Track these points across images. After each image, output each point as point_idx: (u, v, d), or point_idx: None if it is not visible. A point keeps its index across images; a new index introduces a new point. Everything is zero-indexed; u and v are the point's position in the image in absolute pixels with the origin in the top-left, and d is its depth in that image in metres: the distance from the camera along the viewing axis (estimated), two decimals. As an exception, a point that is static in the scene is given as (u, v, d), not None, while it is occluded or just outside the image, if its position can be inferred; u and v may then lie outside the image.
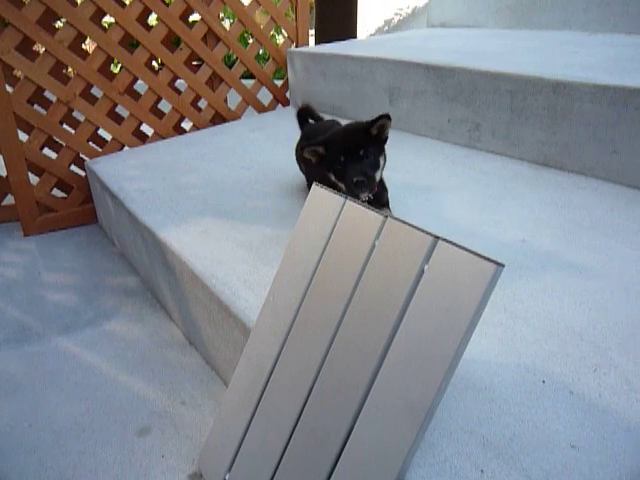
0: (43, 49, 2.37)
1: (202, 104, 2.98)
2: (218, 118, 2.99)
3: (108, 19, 2.70)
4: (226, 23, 3.01)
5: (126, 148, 2.74)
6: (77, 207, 2.69)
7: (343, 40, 3.42)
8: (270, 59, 3.16)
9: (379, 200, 1.54)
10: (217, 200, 1.89)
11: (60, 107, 2.47)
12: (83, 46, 2.88)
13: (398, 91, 2.40)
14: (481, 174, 1.94)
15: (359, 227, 0.96)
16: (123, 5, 2.55)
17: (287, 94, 3.25)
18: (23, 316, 1.92)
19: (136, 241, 2.00)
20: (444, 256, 0.82)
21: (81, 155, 2.62)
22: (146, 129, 2.82)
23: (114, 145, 2.69)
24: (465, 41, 2.94)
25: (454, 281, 0.80)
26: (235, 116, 3.05)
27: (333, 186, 1.43)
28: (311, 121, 1.98)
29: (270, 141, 2.55)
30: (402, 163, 2.08)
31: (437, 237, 0.84)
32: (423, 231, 0.86)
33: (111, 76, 2.62)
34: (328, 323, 0.96)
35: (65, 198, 2.66)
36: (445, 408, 0.94)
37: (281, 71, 3.28)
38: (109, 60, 2.62)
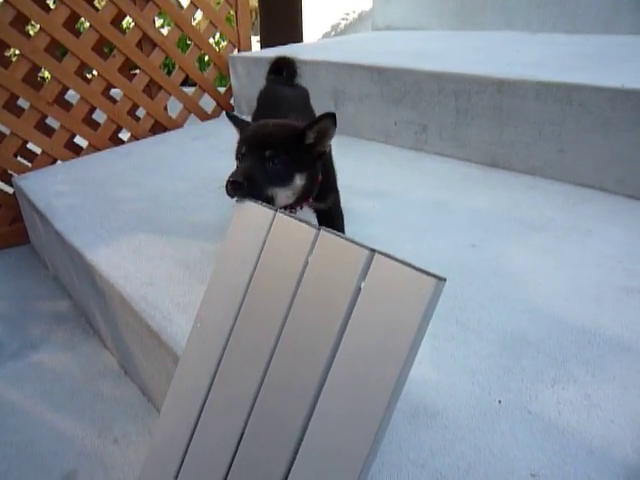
0: (-43, 57, 2.17)
1: (140, 113, 2.82)
2: (158, 127, 2.84)
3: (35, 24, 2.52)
4: (166, 31, 2.85)
5: (59, 162, 2.56)
6: (5, 227, 2.48)
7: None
8: (212, 65, 3.03)
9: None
10: (152, 215, 1.76)
11: (-19, 120, 2.27)
12: (7, 53, 2.68)
13: (343, 95, 2.32)
14: (429, 177, 1.88)
15: (291, 242, 0.87)
16: (47, 10, 2.38)
17: (231, 101, 3.13)
18: (-63, 352, 1.72)
19: (65, 262, 1.83)
20: (382, 271, 0.74)
21: (9, 171, 2.42)
22: (80, 141, 2.64)
23: (45, 159, 2.50)
24: (409, 43, 2.91)
25: (393, 298, 0.71)
26: (176, 125, 2.90)
27: None
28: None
29: (212, 150, 2.43)
30: (348, 168, 1.98)
31: (373, 250, 0.75)
32: (358, 244, 0.77)
33: (38, 85, 2.44)
34: (261, 350, 0.85)
35: (-9, 218, 2.45)
36: (393, 440, 0.85)
37: (224, 77, 3.16)
38: (35, 68, 2.44)
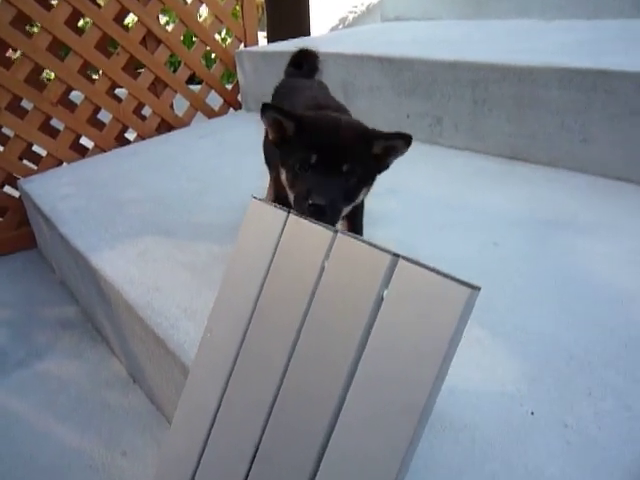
0: (-42, 59, 2.13)
1: (146, 112, 2.77)
2: (164, 126, 2.78)
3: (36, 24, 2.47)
4: (171, 28, 2.79)
5: (65, 164, 2.51)
6: (12, 231, 2.44)
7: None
8: (218, 61, 2.97)
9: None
10: (158, 217, 1.70)
11: (-16, 123, 2.23)
12: (7, 54, 2.63)
13: (353, 87, 2.25)
14: (445, 171, 1.80)
15: (305, 245, 0.80)
16: (49, 8, 2.32)
17: (238, 97, 3.06)
18: (-57, 361, 1.68)
19: (71, 267, 1.79)
20: (407, 279, 0.67)
21: (15, 174, 2.38)
22: (86, 142, 2.59)
23: (50, 161, 2.46)
24: (420, 33, 2.81)
25: (420, 309, 0.64)
26: (183, 123, 2.85)
27: (278, 188, 1.08)
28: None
29: (219, 148, 2.37)
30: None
31: (397, 255, 0.68)
32: (380, 248, 0.70)
33: (41, 86, 2.39)
34: (275, 361, 0.79)
35: (-1, 222, 2.42)
36: (420, 456, 0.78)
37: (231, 73, 3.10)
38: (37, 69, 2.39)
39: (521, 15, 2.98)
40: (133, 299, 1.27)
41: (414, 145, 2.07)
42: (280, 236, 0.83)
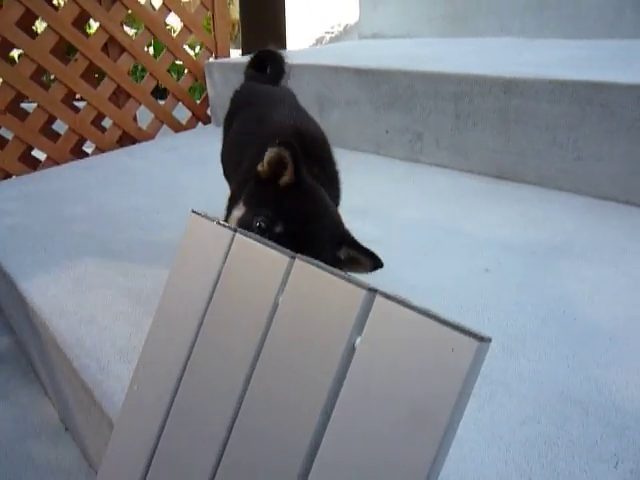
0: None
1: (106, 123, 2.57)
2: (126, 139, 2.59)
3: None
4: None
5: (14, 177, 2.29)
6: (-50, 250, 2.19)
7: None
8: (186, 72, 2.81)
9: None
10: (105, 235, 1.50)
11: None
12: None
13: (328, 100, 2.10)
14: (427, 191, 1.65)
15: (256, 274, 0.62)
16: (-1, 7, 2.14)
17: (208, 111, 2.89)
18: None
19: (3, 292, 1.56)
20: (387, 323, 0.48)
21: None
22: (38, 154, 2.37)
23: (-5, 173, 2.23)
24: (400, 48, 2.71)
25: (407, 365, 0.46)
26: (147, 136, 2.66)
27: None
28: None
29: (183, 163, 2.18)
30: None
31: (373, 290, 0.50)
32: (353, 283, 0.51)
33: (-12, 92, 2.18)
34: (215, 424, 0.60)
35: None
36: None
37: (201, 87, 2.93)
38: (-16, 73, 2.18)
39: (503, 32, 2.91)
40: (61, 334, 1.06)
41: (392, 162, 1.94)
42: (224, 261, 0.65)
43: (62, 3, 2.46)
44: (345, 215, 1.47)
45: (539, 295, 1.06)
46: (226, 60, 2.74)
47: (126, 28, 2.69)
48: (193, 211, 0.71)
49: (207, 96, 2.85)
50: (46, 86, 2.35)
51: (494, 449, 0.71)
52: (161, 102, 2.71)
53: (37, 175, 2.26)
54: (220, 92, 2.74)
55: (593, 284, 1.08)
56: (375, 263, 0.84)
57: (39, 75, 2.34)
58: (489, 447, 0.72)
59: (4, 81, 2.16)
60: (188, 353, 0.65)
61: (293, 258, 0.57)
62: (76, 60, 2.36)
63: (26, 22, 2.24)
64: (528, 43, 2.50)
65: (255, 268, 0.62)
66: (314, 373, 0.52)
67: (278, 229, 0.79)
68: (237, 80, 2.51)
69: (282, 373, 0.56)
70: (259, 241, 0.62)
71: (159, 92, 2.87)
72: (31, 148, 2.34)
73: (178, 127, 2.77)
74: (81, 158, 2.45)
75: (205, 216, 0.70)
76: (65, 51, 2.46)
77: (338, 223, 0.89)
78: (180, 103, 2.77)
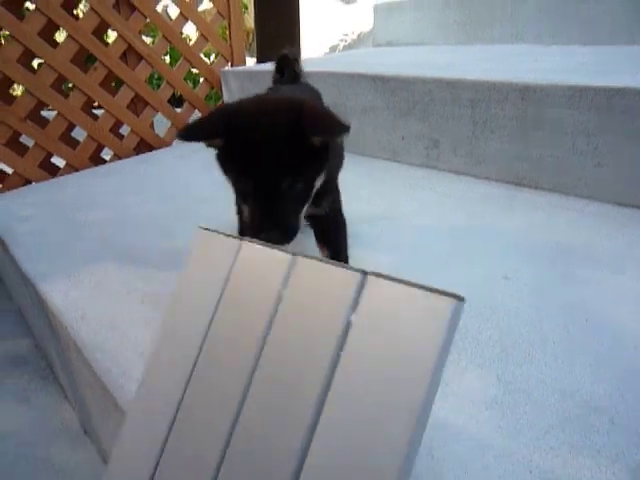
0: None
1: (124, 130, 2.60)
2: (144, 146, 2.62)
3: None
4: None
5: (34, 183, 2.32)
6: (-29, 255, 2.23)
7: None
8: (203, 80, 2.84)
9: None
10: (123, 240, 1.51)
11: (-55, 137, 2.05)
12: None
13: (345, 108, 2.10)
14: (444, 197, 1.65)
15: (261, 275, 0.64)
16: (21, 17, 2.18)
17: (224, 118, 2.91)
18: None
19: (24, 294, 1.58)
20: (378, 297, 0.52)
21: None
22: (58, 161, 2.41)
23: (16, 180, 2.27)
24: (415, 55, 2.71)
25: (397, 333, 0.50)
26: (164, 143, 2.69)
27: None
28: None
29: (200, 169, 2.20)
30: (351, 188, 1.75)
31: (365, 272, 0.54)
32: (346, 267, 0.55)
33: (10, 99, 2.22)
34: (219, 421, 0.61)
35: (-44, 245, 2.20)
36: None
37: (217, 95, 2.96)
38: (6, 81, 2.22)
39: (517, 39, 2.91)
40: (82, 339, 1.07)
41: (409, 169, 1.94)
42: (232, 267, 0.67)
43: (82, 13, 2.50)
44: (364, 221, 1.48)
45: (559, 302, 1.05)
46: (242, 68, 2.77)
47: (143, 36, 2.72)
48: (200, 226, 0.72)
49: (223, 103, 2.88)
50: (66, 94, 2.39)
51: (518, 458, 0.71)
52: (178, 110, 2.74)
53: (56, 181, 2.29)
54: (236, 98, 2.76)
55: (615, 291, 1.07)
56: (345, 127, 0.79)
57: (59, 84, 2.38)
58: (513, 456, 0.71)
59: (26, 90, 2.19)
60: (196, 354, 0.66)
61: (294, 255, 0.60)
62: (95, 69, 2.39)
63: (48, 32, 2.29)
64: (544, 50, 2.49)
65: (260, 270, 0.64)
66: (316, 353, 0.55)
67: (250, 187, 0.82)
68: (253, 87, 2.55)
69: (286, 357, 0.58)
70: (264, 245, 0.65)
71: (175, 100, 2.90)
72: (50, 155, 2.37)
73: (194, 134, 2.80)
74: (99, 165, 2.48)
75: (212, 230, 0.71)
76: (84, 60, 2.50)
77: (288, 116, 0.82)
78: (196, 111, 2.80)
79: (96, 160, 2.51)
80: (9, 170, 2.28)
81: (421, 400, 0.46)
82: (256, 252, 0.66)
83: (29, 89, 2.20)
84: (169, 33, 2.58)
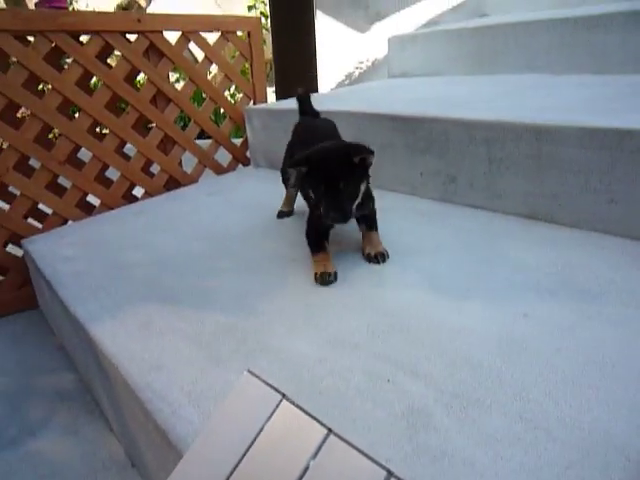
0: (-33, 120, 2.12)
1: (154, 169, 2.75)
2: (172, 183, 2.75)
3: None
4: (180, 86, 2.80)
5: (70, 222, 2.46)
6: (14, 292, 2.37)
7: (304, 95, 3.28)
8: (227, 118, 2.98)
9: (363, 211, 1.52)
10: (163, 281, 1.62)
11: (-9, 182, 2.20)
12: (17, 115, 2.64)
13: (364, 145, 2.20)
14: (462, 232, 1.72)
15: (293, 437, 0.73)
16: (60, 69, 2.34)
17: (247, 153, 3.05)
18: None
19: (70, 333, 1.69)
20: None
21: (19, 233, 2.32)
22: (92, 199, 2.55)
23: (55, 220, 2.41)
24: (429, 89, 2.81)
25: None
26: (191, 179, 2.82)
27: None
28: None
29: (228, 206, 2.31)
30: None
31: (390, 473, 0.62)
32: (374, 462, 0.64)
33: (50, 145, 2.37)
34: None
35: (0, 282, 2.34)
36: None
37: (240, 130, 3.10)
38: (47, 128, 2.38)
39: (527, 70, 2.99)
40: (133, 379, 1.17)
41: (427, 204, 2.02)
42: (268, 420, 0.76)
43: (114, 62, 2.66)
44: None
45: (578, 340, 1.11)
46: (263, 106, 2.90)
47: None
48: (248, 370, 0.82)
49: (246, 139, 3.01)
50: (100, 137, 2.54)
51: (541, 493, 0.77)
52: (201, 142, 2.87)
53: (92, 220, 2.43)
54: (258, 135, 2.90)
55: (631, 329, 1.13)
56: (372, 152, 1.36)
57: (94, 127, 2.54)
58: (536, 491, 0.78)
59: (64, 135, 2.35)
60: None
61: (329, 431, 0.69)
62: (127, 113, 2.54)
63: (84, 81, 2.45)
64: (554, 80, 2.57)
65: (294, 432, 0.73)
66: None
67: (322, 187, 1.37)
68: (273, 124, 2.69)
69: None
70: (303, 410, 0.74)
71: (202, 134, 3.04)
72: (86, 194, 2.51)
73: (220, 169, 2.93)
74: (131, 202, 2.61)
75: (258, 377, 0.81)
76: (117, 105, 2.66)
77: (342, 149, 1.40)
78: (221, 147, 2.93)
79: (129, 198, 2.65)
80: (49, 211, 2.42)
81: None
82: (294, 413, 0.75)
83: (67, 134, 2.35)
84: (195, 75, 2.72)
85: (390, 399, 0.99)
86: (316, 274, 1.47)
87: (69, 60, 2.37)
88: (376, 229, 1.61)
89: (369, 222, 1.60)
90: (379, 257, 1.54)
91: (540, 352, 1.08)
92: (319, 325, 1.27)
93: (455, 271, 1.47)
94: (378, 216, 1.59)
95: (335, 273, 1.48)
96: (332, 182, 1.33)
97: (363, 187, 1.40)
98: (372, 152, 1.35)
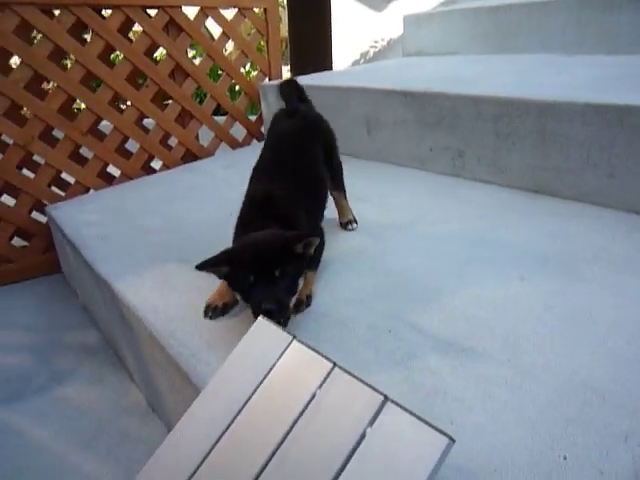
0: (-4, 90, 2.21)
1: (172, 142, 2.83)
2: (189, 156, 2.84)
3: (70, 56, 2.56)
4: (198, 62, 2.87)
5: (92, 191, 2.57)
6: (39, 256, 2.49)
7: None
8: (242, 94, 3.05)
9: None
10: (181, 244, 1.72)
11: (17, 151, 2.30)
12: (44, 85, 2.73)
13: (376, 121, 2.27)
14: (469, 204, 1.80)
15: (302, 371, 0.86)
16: (84, 43, 2.42)
17: (262, 129, 3.12)
18: (-35, 385, 1.70)
19: (95, 293, 1.80)
20: (392, 421, 0.73)
21: (43, 200, 2.44)
22: (113, 170, 2.65)
23: (78, 188, 2.52)
24: (443, 67, 2.86)
25: (399, 451, 0.69)
26: (208, 153, 2.91)
27: None
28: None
29: (243, 178, 2.38)
30: (382, 196, 1.94)
31: (386, 398, 0.74)
32: (373, 389, 0.76)
33: (73, 116, 2.47)
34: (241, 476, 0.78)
35: (25, 247, 2.47)
36: (448, 501, 0.75)
37: (255, 106, 3.17)
38: (70, 100, 2.47)
39: (541, 50, 3.01)
40: (156, 328, 1.27)
41: (436, 178, 2.10)
42: (279, 357, 0.88)
43: (135, 37, 2.73)
44: (393, 226, 1.65)
45: (567, 301, 1.19)
46: (279, 82, 2.95)
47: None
48: (262, 317, 0.97)
49: (261, 115, 3.08)
50: (121, 110, 2.63)
51: (523, 426, 0.86)
52: (217, 118, 2.95)
53: (113, 189, 2.53)
54: (273, 111, 2.95)
55: (618, 290, 1.21)
56: (317, 235, 1.19)
57: (114, 100, 2.62)
58: (519, 425, 0.87)
59: (87, 107, 2.44)
60: (232, 418, 0.85)
61: (334, 365, 0.82)
62: (147, 86, 2.62)
63: (105, 54, 2.53)
64: (567, 60, 2.60)
65: (302, 367, 0.85)
66: (333, 449, 0.74)
67: (252, 279, 1.09)
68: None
69: (305, 446, 0.77)
70: (311, 348, 0.86)
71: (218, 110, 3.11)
72: (107, 165, 2.61)
73: (235, 144, 3.01)
74: (150, 174, 2.71)
75: (270, 321, 0.95)
76: (137, 78, 2.74)
77: (278, 240, 1.14)
78: (237, 122, 3.01)
79: (147, 170, 2.75)
80: (71, 180, 2.53)
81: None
82: (303, 351, 0.87)
83: (90, 106, 2.44)
84: (212, 51, 2.79)
85: (390, 347, 1.08)
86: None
87: (87, 37, 2.44)
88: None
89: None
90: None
91: (532, 309, 1.16)
92: (327, 285, 1.36)
93: (458, 239, 1.54)
94: (389, 190, 1.66)
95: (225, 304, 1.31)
96: (264, 269, 1.08)
97: (301, 282, 1.17)
98: (319, 235, 1.25)
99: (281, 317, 1.07)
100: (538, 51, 3.01)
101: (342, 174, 1.67)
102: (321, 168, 1.54)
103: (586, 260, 1.36)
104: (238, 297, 1.20)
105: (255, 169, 1.57)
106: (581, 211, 1.62)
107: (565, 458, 0.80)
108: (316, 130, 1.65)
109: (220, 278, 1.22)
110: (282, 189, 1.33)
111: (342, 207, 1.69)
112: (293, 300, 1.15)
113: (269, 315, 1.01)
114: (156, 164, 2.82)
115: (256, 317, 1.01)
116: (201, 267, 1.14)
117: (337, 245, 1.57)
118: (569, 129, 1.63)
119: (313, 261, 1.32)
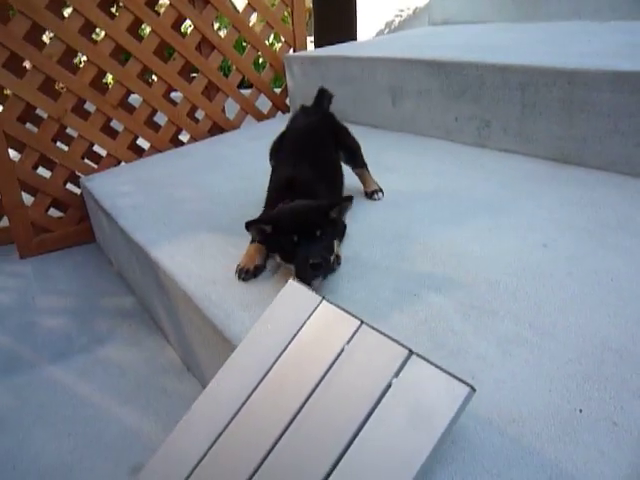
0: (31, 65, 2.28)
1: (199, 115, 2.89)
2: (216, 128, 2.89)
3: (99, 31, 2.61)
4: (223, 33, 2.89)
5: (123, 163, 2.65)
6: (74, 226, 2.59)
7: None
8: (268, 66, 3.06)
9: None
10: (213, 213, 1.78)
11: (52, 124, 2.38)
12: (75, 60, 2.80)
13: (401, 91, 2.28)
14: (494, 174, 1.81)
15: (331, 329, 0.92)
16: (112, 16, 2.47)
17: (287, 101, 3.14)
18: (14, 344, 1.82)
19: (130, 260, 1.89)
20: (417, 372, 0.78)
21: (77, 172, 2.53)
22: (142, 143, 2.73)
23: (110, 161, 2.60)
24: (469, 36, 2.82)
25: (423, 400, 0.75)
26: (234, 125, 2.95)
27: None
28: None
29: (268, 150, 2.44)
30: (407, 166, 1.96)
31: (411, 351, 0.80)
32: (399, 343, 0.82)
33: (103, 90, 2.53)
34: (273, 426, 0.84)
35: (61, 217, 2.57)
36: (467, 447, 0.81)
37: (280, 78, 3.18)
38: (101, 73, 2.53)
39: (574, 16, 2.94)
40: (192, 291, 1.34)
41: (462, 148, 2.11)
42: (309, 317, 0.94)
43: (162, 10, 2.76)
44: (419, 195, 1.68)
45: (590, 266, 1.22)
46: (303, 53, 2.97)
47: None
48: (292, 280, 1.03)
49: (286, 87, 3.10)
50: (149, 83, 2.68)
51: (541, 381, 0.91)
52: (243, 91, 2.98)
53: (143, 161, 2.61)
54: (298, 83, 2.98)
55: (641, 258, 1.23)
56: (349, 199, 1.29)
57: (143, 74, 2.68)
58: (537, 380, 0.91)
59: (117, 80, 2.50)
60: (264, 373, 0.92)
61: (361, 322, 0.87)
62: (174, 59, 2.66)
63: (134, 28, 2.58)
64: (599, 27, 2.54)
65: (331, 326, 0.91)
66: (359, 399, 0.79)
67: (295, 239, 1.21)
68: (313, 71, 2.76)
69: (333, 397, 0.83)
70: (340, 307, 0.92)
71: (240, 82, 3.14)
72: (137, 138, 2.68)
73: (260, 116, 3.05)
74: (178, 146, 2.77)
75: (301, 285, 1.00)
76: (165, 51, 2.78)
77: (316, 207, 1.28)
78: (262, 94, 3.03)
79: (175, 142, 2.81)
80: (103, 152, 2.61)
81: (426, 455, 0.70)
82: (332, 311, 0.93)
83: (119, 79, 2.50)
84: (238, 23, 2.80)
85: (415, 309, 1.13)
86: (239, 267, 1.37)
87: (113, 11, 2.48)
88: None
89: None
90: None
91: (554, 275, 1.20)
92: (355, 252, 1.41)
93: (483, 208, 1.57)
94: (414, 160, 1.69)
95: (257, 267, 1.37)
96: (306, 230, 1.21)
97: (338, 244, 1.32)
98: (350, 199, 1.29)
99: (327, 270, 1.20)
100: (570, 18, 2.94)
101: (361, 152, 1.74)
102: (333, 153, 1.68)
103: (610, 228, 1.37)
104: (277, 258, 1.30)
105: (277, 158, 1.74)
106: (607, 180, 1.63)
107: (581, 411, 0.85)
108: (328, 122, 1.78)
109: (255, 241, 1.36)
110: (304, 174, 1.47)
111: (366, 179, 1.74)
112: (333, 258, 1.26)
113: (316, 268, 1.15)
114: (184, 137, 2.88)
115: (300, 273, 1.17)
116: (250, 223, 1.26)
117: (364, 215, 1.61)
118: (597, 97, 1.62)
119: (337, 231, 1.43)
